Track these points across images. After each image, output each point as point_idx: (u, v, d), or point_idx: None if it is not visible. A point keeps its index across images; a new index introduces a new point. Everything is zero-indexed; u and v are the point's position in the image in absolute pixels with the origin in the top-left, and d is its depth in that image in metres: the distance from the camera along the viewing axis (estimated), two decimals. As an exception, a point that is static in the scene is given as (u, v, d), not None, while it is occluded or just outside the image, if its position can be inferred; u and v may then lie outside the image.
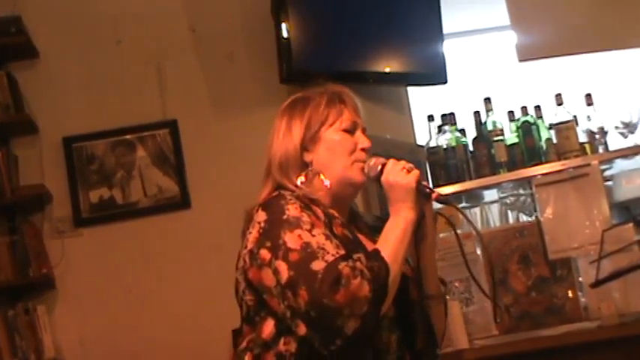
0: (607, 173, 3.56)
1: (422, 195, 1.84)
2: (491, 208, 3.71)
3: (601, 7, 3.91)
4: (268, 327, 1.77)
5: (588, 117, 3.60)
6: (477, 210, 3.68)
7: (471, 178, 3.61)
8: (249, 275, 1.79)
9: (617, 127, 3.60)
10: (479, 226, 3.62)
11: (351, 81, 3.92)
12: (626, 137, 3.59)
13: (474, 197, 3.69)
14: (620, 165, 3.57)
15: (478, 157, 3.63)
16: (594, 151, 3.57)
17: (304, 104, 1.96)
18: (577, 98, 3.65)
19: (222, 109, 3.91)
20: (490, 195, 3.70)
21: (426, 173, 3.80)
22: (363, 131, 1.97)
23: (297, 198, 1.82)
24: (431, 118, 3.72)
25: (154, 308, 3.77)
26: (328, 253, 1.69)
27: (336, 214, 1.86)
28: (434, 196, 1.84)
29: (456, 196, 3.61)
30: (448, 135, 3.65)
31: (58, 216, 3.86)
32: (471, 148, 3.67)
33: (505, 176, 3.56)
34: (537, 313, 3.36)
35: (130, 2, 4.02)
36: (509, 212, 3.68)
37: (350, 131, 1.94)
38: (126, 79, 3.98)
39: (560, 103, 3.57)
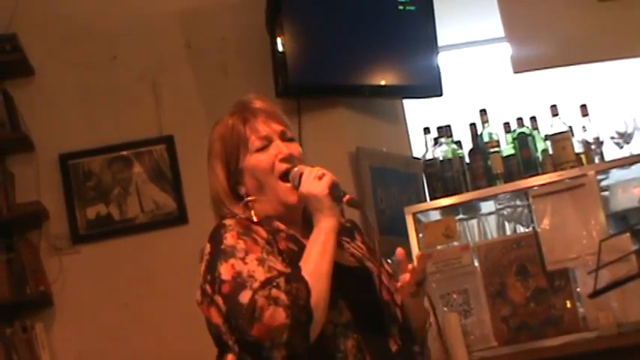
0: (603, 183, 3.56)
1: (335, 199, 1.80)
2: (488, 220, 3.70)
3: (595, 18, 3.93)
4: (229, 358, 1.76)
5: (584, 127, 3.61)
6: (474, 222, 3.68)
7: (467, 190, 3.61)
8: (204, 312, 1.79)
9: (612, 138, 3.60)
10: (476, 237, 3.62)
11: (347, 94, 3.97)
12: (621, 147, 3.59)
13: (470, 209, 3.69)
14: (616, 175, 3.57)
15: (474, 168, 3.63)
16: (590, 161, 3.57)
17: (220, 140, 1.95)
18: (572, 109, 3.65)
19: (219, 124, 3.90)
20: (487, 206, 3.70)
21: (423, 185, 3.81)
22: (283, 137, 1.92)
23: (237, 223, 1.81)
24: (427, 130, 3.73)
25: (152, 324, 3.76)
26: (256, 280, 1.67)
27: (282, 227, 1.85)
28: (345, 199, 1.80)
29: (453, 207, 3.61)
30: (444, 147, 3.65)
31: (55, 233, 3.85)
32: (467, 159, 3.68)
33: (502, 187, 3.56)
34: (536, 324, 3.36)
35: (125, 18, 4.03)
36: (506, 223, 3.68)
37: (264, 147, 1.89)
38: (121, 95, 3.98)
39: (555, 114, 3.58)
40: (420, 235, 3.52)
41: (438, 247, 3.50)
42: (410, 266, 1.82)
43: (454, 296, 3.43)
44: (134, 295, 3.80)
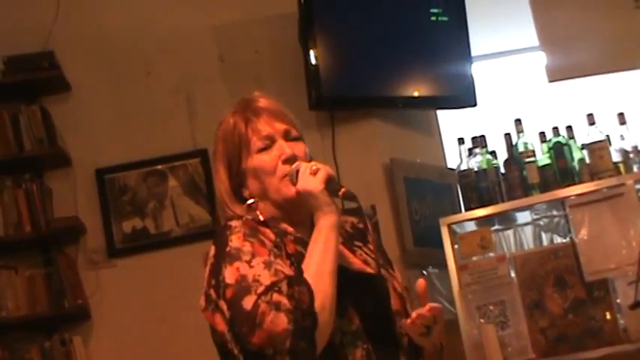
0: (642, 192, 3.52)
1: (331, 193, 1.72)
2: (525, 230, 3.67)
3: (632, 25, 3.89)
4: None
5: (621, 136, 3.56)
6: (510, 232, 3.65)
7: (503, 201, 3.58)
8: (208, 319, 1.71)
9: (651, 146, 3.56)
10: (512, 248, 3.59)
11: (381, 106, 3.97)
12: (660, 156, 3.54)
13: (506, 219, 3.66)
14: (655, 184, 3.52)
15: (510, 179, 3.60)
16: (629, 170, 3.52)
17: (222, 140, 1.86)
18: (609, 117, 3.61)
19: (253, 137, 3.92)
20: (523, 217, 3.66)
21: (458, 196, 3.79)
22: (287, 136, 1.81)
23: (243, 224, 1.72)
24: (461, 141, 3.71)
25: (189, 337, 3.75)
26: (261, 285, 1.59)
27: (290, 230, 1.76)
28: (340, 193, 1.70)
29: (489, 218, 3.58)
30: (479, 157, 3.63)
31: (92, 247, 3.89)
32: (502, 170, 3.65)
33: (538, 198, 3.52)
34: (575, 335, 3.31)
35: (159, 33, 4.07)
36: (542, 234, 3.64)
37: (266, 148, 1.79)
38: (156, 109, 4.02)
39: (592, 123, 3.54)
40: (456, 246, 3.50)
41: (474, 258, 3.48)
42: (417, 313, 1.69)
43: (491, 308, 3.40)
44: (170, 308, 3.81)
